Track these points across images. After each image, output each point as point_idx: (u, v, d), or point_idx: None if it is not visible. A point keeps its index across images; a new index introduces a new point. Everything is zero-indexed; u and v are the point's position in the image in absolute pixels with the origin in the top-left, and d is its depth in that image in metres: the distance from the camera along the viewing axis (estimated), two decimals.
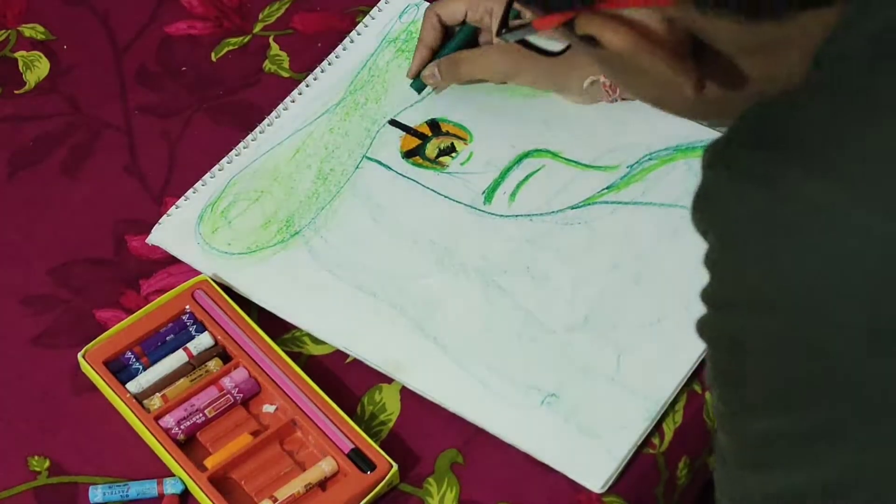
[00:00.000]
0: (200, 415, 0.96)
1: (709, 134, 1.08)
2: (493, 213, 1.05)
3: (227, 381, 0.97)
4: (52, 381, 0.99)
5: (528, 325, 0.99)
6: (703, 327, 0.71)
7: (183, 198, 1.07)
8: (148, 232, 1.06)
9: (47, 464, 0.96)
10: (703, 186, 0.68)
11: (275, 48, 1.17)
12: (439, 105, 1.12)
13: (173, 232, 1.06)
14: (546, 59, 0.85)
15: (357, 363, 0.99)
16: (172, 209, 1.07)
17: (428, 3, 1.17)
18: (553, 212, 1.05)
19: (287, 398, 0.96)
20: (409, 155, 1.09)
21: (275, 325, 1.00)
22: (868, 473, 0.66)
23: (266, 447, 0.95)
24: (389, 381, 0.98)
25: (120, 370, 0.98)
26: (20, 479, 0.95)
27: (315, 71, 1.14)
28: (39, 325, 1.02)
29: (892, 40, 0.65)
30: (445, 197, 1.07)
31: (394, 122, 1.11)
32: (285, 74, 1.15)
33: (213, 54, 1.17)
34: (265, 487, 0.93)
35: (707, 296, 0.70)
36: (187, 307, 1.00)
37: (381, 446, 0.94)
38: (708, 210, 0.68)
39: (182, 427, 0.95)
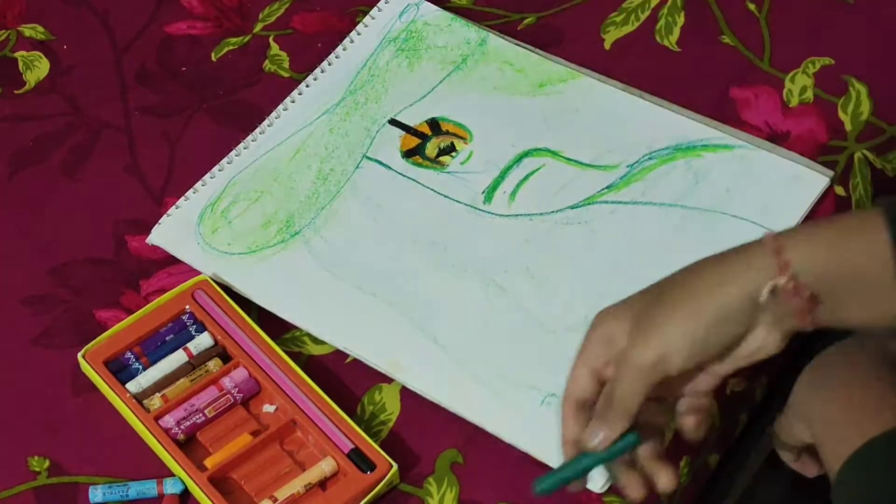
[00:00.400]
0: (200, 415, 0.96)
1: (709, 133, 1.08)
2: (492, 213, 1.05)
3: (226, 381, 0.97)
4: (52, 381, 1.00)
5: (528, 324, 0.99)
6: None
7: (183, 198, 1.08)
8: (148, 232, 1.06)
9: (47, 464, 0.96)
10: None
11: (275, 48, 1.17)
12: (439, 104, 1.12)
13: (173, 232, 1.06)
14: (686, 299, 0.78)
15: (357, 363, 0.99)
16: (172, 209, 1.07)
17: (429, 3, 1.17)
18: (553, 211, 1.05)
19: (287, 398, 0.96)
20: (409, 154, 1.09)
21: (275, 325, 1.00)
22: None
23: (266, 447, 0.95)
24: (389, 381, 0.98)
25: (120, 370, 0.98)
26: (20, 479, 0.95)
27: (315, 71, 1.14)
28: (39, 325, 1.02)
29: None
30: (445, 196, 1.07)
31: (394, 122, 1.11)
32: (285, 74, 1.15)
33: (213, 54, 1.17)
34: (265, 487, 0.93)
35: None
36: (187, 307, 1.00)
37: (380, 446, 0.94)
38: None
39: (182, 427, 0.95)
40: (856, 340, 0.93)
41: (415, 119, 1.11)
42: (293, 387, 0.96)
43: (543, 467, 0.93)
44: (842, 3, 1.15)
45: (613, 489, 0.92)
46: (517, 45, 1.14)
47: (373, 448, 0.93)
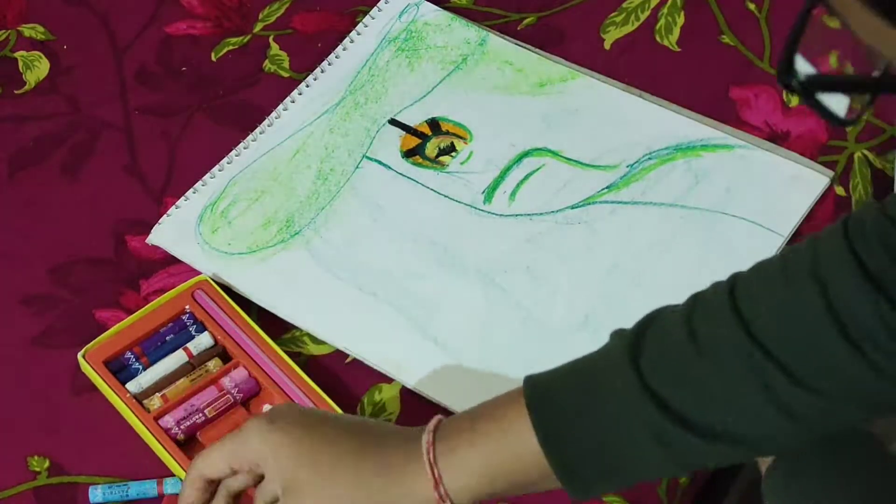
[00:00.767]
0: (200, 415, 0.96)
1: (709, 133, 1.08)
2: (492, 213, 1.05)
3: (226, 381, 0.97)
4: (52, 381, 0.99)
5: (528, 324, 0.99)
6: None
7: (183, 198, 1.07)
8: (148, 232, 1.06)
9: (47, 464, 0.96)
10: None
11: (275, 48, 1.17)
12: (439, 104, 1.12)
13: (173, 232, 1.06)
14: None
15: (357, 363, 0.99)
16: (172, 209, 1.07)
17: (429, 3, 1.17)
18: (553, 211, 1.05)
19: (287, 398, 0.96)
20: (409, 154, 1.09)
21: (275, 325, 1.00)
22: None
23: None
24: (389, 381, 0.98)
25: (120, 370, 0.98)
26: (20, 479, 0.95)
27: (315, 71, 1.14)
28: (39, 325, 1.02)
29: None
30: (445, 196, 1.07)
31: (394, 122, 1.11)
32: (285, 74, 1.15)
33: (213, 54, 1.17)
34: None
35: None
36: (187, 307, 1.00)
37: None
38: None
39: (182, 427, 0.95)
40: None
41: (415, 119, 1.11)
42: (293, 387, 0.96)
43: None
44: None
45: None
46: (517, 44, 1.14)
47: None
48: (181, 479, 0.93)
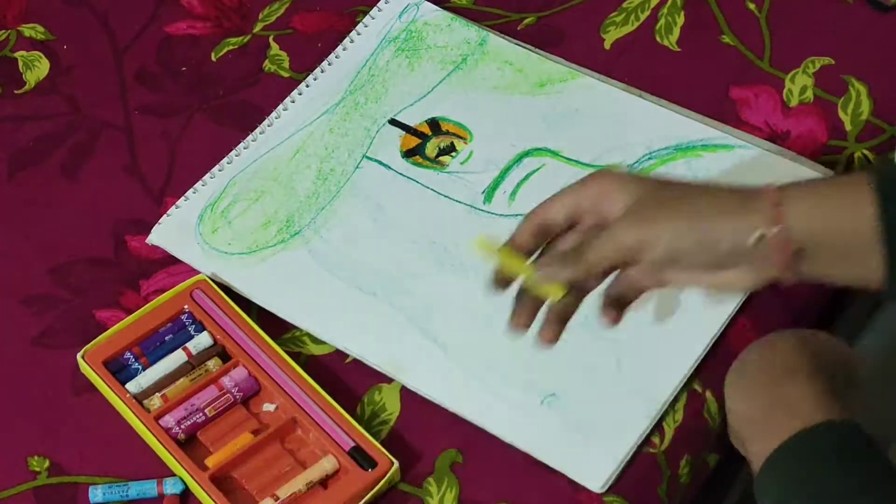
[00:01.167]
0: (200, 414, 0.96)
1: (709, 133, 1.08)
2: (492, 213, 1.05)
3: (226, 381, 0.97)
4: (52, 381, 0.99)
5: None
6: None
7: (183, 198, 1.08)
8: (148, 232, 1.06)
9: (47, 464, 0.96)
10: None
11: (275, 48, 1.17)
12: (439, 104, 1.12)
13: (173, 232, 1.06)
14: (688, 213, 0.83)
15: (357, 363, 0.99)
16: (172, 209, 1.07)
17: (429, 3, 1.17)
18: None
19: (287, 396, 0.96)
20: (409, 154, 1.09)
21: (274, 325, 1.00)
22: None
23: (267, 446, 0.95)
24: (389, 381, 0.98)
25: (119, 370, 0.98)
26: (20, 479, 0.95)
27: (315, 71, 1.14)
28: (39, 325, 1.02)
29: None
30: (445, 196, 1.07)
31: (394, 122, 1.11)
32: (285, 74, 1.15)
33: (213, 54, 1.17)
34: (267, 486, 0.93)
35: None
36: (186, 307, 1.00)
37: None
38: None
39: (182, 427, 0.95)
40: (776, 336, 0.94)
41: (415, 119, 1.11)
42: (293, 385, 0.96)
43: (543, 467, 0.94)
44: (842, 3, 1.15)
45: (613, 489, 0.93)
46: (517, 44, 1.14)
47: (374, 445, 0.93)
48: (181, 479, 0.94)
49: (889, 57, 1.12)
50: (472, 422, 0.96)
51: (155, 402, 0.96)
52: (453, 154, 1.09)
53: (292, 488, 0.92)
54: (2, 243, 1.07)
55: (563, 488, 0.93)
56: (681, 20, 1.16)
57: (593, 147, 1.08)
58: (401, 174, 1.08)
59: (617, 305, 0.88)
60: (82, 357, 0.98)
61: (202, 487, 0.92)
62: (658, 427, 0.95)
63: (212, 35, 1.18)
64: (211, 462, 0.94)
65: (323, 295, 1.02)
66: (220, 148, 1.10)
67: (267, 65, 1.16)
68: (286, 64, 1.16)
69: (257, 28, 1.18)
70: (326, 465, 0.93)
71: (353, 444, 0.94)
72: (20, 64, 1.17)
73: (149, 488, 0.94)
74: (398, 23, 1.16)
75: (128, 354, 0.99)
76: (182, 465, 0.93)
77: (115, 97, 1.15)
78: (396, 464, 0.93)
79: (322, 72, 1.14)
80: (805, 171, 1.05)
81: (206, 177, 1.09)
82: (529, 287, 0.87)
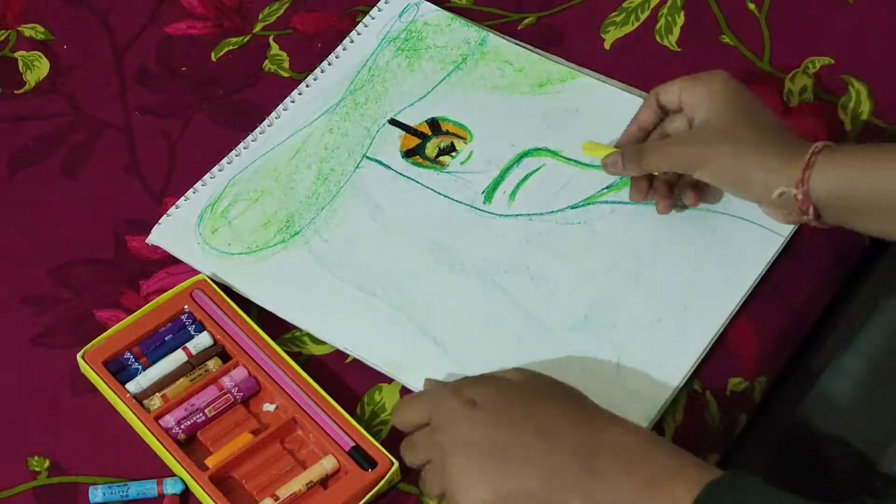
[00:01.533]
0: (200, 414, 0.96)
1: None
2: (492, 213, 1.05)
3: (226, 381, 0.97)
4: (52, 381, 0.99)
5: (528, 324, 0.99)
6: None
7: (183, 198, 1.07)
8: (148, 232, 1.06)
9: (47, 464, 0.96)
10: None
11: (275, 48, 1.17)
12: (439, 104, 1.12)
13: (173, 232, 1.06)
14: (732, 153, 0.95)
15: (357, 363, 0.99)
16: (172, 209, 1.07)
17: (429, 3, 1.17)
18: (553, 211, 1.05)
19: (287, 396, 0.96)
20: (409, 154, 1.09)
21: (274, 325, 1.00)
22: None
23: (267, 446, 0.95)
24: (389, 381, 0.98)
25: (119, 370, 0.98)
26: (20, 479, 0.95)
27: (315, 71, 1.14)
28: (39, 325, 1.02)
29: None
30: (445, 196, 1.07)
31: (394, 122, 1.11)
32: (285, 74, 1.15)
33: (213, 54, 1.17)
34: (266, 486, 0.93)
35: None
36: (186, 307, 1.00)
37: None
38: None
39: (182, 427, 0.95)
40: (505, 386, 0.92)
41: (415, 119, 1.11)
42: (293, 385, 0.96)
43: None
44: (842, 3, 1.15)
45: None
46: (517, 44, 1.14)
47: (374, 446, 0.93)
48: (181, 480, 0.93)
49: (889, 57, 1.12)
50: None
51: (155, 402, 0.96)
52: (453, 154, 1.09)
53: (292, 488, 0.92)
54: (2, 243, 1.07)
55: None
56: (681, 20, 1.16)
57: None
58: (401, 174, 1.08)
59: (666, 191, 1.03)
60: (82, 357, 0.98)
61: (202, 487, 0.92)
62: (658, 427, 0.95)
63: (212, 35, 1.18)
64: (211, 462, 0.94)
65: (323, 295, 1.02)
66: (220, 148, 1.10)
67: (267, 65, 1.16)
68: (286, 64, 1.16)
69: (257, 28, 1.18)
70: (326, 465, 0.93)
71: (353, 445, 0.94)
72: (20, 64, 1.17)
73: (149, 488, 0.94)
74: (398, 23, 1.16)
75: (128, 354, 0.99)
76: (182, 465, 0.93)
77: (115, 97, 1.15)
78: (396, 464, 0.93)
79: (322, 72, 1.14)
80: None
81: (206, 177, 1.09)
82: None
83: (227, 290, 1.02)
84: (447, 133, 1.10)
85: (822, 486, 0.97)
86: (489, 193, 1.06)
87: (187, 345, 0.99)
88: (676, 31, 1.15)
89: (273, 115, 1.12)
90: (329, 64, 1.15)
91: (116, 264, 1.05)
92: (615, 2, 1.17)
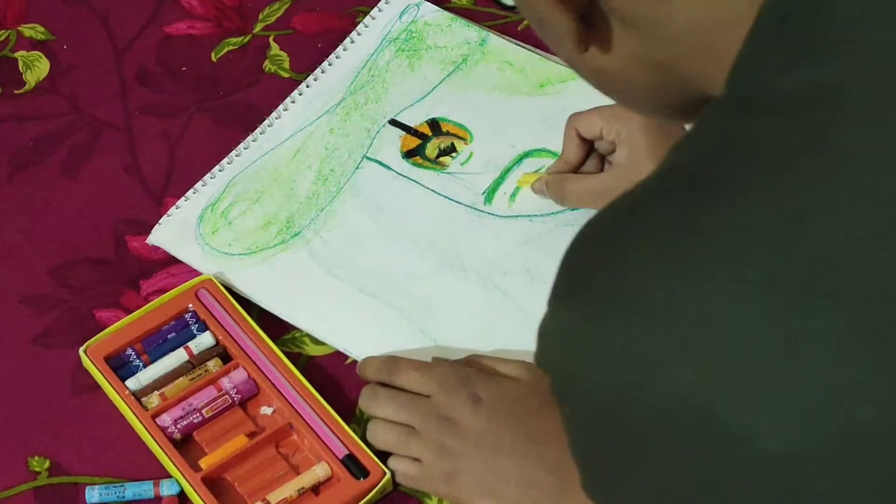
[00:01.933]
0: (198, 414, 0.96)
1: None
2: (493, 214, 1.05)
3: (225, 382, 0.97)
4: (52, 381, 0.99)
5: (528, 326, 0.99)
6: None
7: (183, 198, 1.07)
8: (148, 232, 1.05)
9: (47, 464, 0.96)
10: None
11: (275, 48, 1.17)
12: (440, 104, 1.11)
13: (173, 232, 1.06)
14: None
15: (357, 364, 0.99)
16: (172, 209, 1.07)
17: (429, 4, 1.17)
18: (553, 213, 1.05)
19: (285, 401, 0.96)
20: (409, 155, 1.09)
21: (275, 326, 1.00)
22: None
23: (261, 449, 0.94)
24: None
25: (120, 367, 0.98)
26: (20, 479, 0.95)
27: (315, 71, 1.14)
28: (39, 325, 1.02)
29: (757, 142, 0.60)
30: (445, 197, 1.06)
31: (394, 122, 1.11)
32: (285, 75, 1.15)
33: (213, 54, 1.17)
34: (258, 490, 0.93)
35: None
36: (190, 306, 1.00)
37: None
38: None
39: (179, 426, 0.95)
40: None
41: (415, 119, 1.11)
42: (291, 390, 0.96)
43: None
44: None
45: None
46: (517, 45, 1.14)
47: (367, 455, 0.93)
48: (177, 481, 0.93)
49: None
50: None
51: (153, 400, 0.96)
52: (454, 155, 1.09)
53: (283, 493, 0.92)
54: (2, 243, 1.07)
55: None
56: None
57: None
58: (401, 175, 1.08)
59: None
60: (84, 351, 0.98)
61: (194, 488, 0.92)
62: None
63: (212, 35, 1.18)
64: (204, 463, 0.94)
65: (323, 296, 1.02)
66: (220, 148, 1.10)
67: (267, 65, 1.16)
68: (286, 64, 1.16)
69: (257, 28, 1.18)
70: (319, 471, 0.93)
71: (346, 453, 0.93)
72: (20, 64, 1.17)
73: (145, 489, 0.94)
74: (398, 23, 1.16)
75: (129, 351, 0.99)
76: (175, 465, 0.93)
77: (115, 97, 1.14)
78: (388, 474, 0.92)
79: (322, 72, 1.14)
80: None
81: (207, 177, 1.08)
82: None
83: (229, 290, 1.02)
84: (447, 134, 1.10)
85: None
86: (489, 194, 1.06)
87: (189, 344, 0.99)
88: None
89: (273, 115, 1.12)
90: (329, 64, 1.14)
91: (116, 264, 1.05)
92: None
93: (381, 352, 0.98)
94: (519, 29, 1.16)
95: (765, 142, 0.59)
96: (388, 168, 1.08)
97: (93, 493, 0.94)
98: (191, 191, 1.08)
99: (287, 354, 0.98)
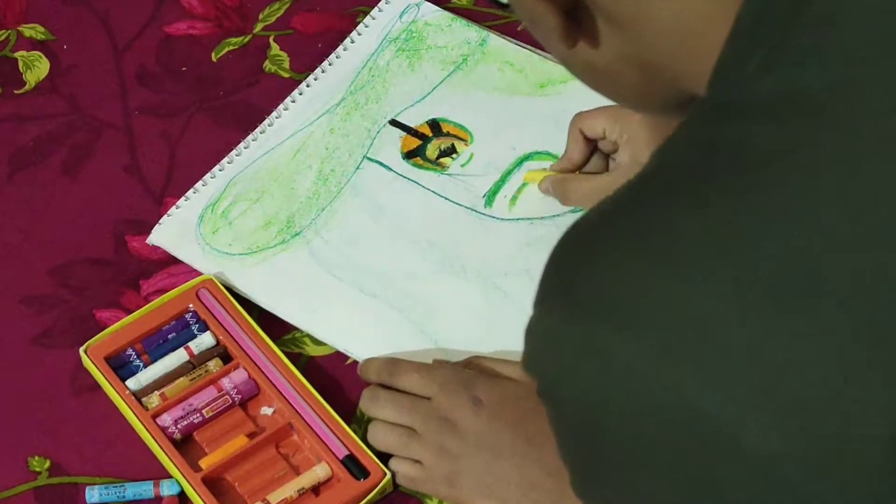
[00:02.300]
0: (198, 415, 0.96)
1: None
2: (493, 217, 1.05)
3: (226, 382, 0.97)
4: (52, 381, 0.99)
5: None
6: None
7: (183, 198, 1.07)
8: (148, 232, 1.05)
9: (47, 464, 0.96)
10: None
11: (275, 48, 1.17)
12: (440, 105, 1.11)
13: (174, 232, 1.05)
14: None
15: (357, 364, 0.99)
16: (173, 209, 1.07)
17: (430, 4, 1.17)
18: (553, 216, 1.05)
19: (285, 401, 0.96)
20: (409, 156, 1.09)
21: (275, 326, 1.00)
22: None
23: (262, 449, 0.94)
24: None
25: (121, 366, 0.98)
26: (20, 479, 0.95)
27: (315, 71, 1.14)
28: (39, 325, 1.02)
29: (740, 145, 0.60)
30: (446, 199, 1.06)
31: (394, 123, 1.11)
32: (285, 74, 1.15)
33: (213, 54, 1.17)
34: (258, 490, 0.93)
35: None
36: (190, 306, 1.00)
37: None
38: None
39: (179, 426, 0.95)
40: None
41: (415, 119, 1.11)
42: (291, 390, 0.96)
43: None
44: None
45: None
46: (518, 45, 1.14)
47: (367, 455, 0.93)
48: (178, 481, 0.93)
49: None
50: None
51: (153, 400, 0.96)
52: (454, 156, 1.09)
53: (284, 494, 0.92)
54: (2, 243, 1.07)
55: None
56: None
57: None
58: (401, 175, 1.08)
59: None
60: (85, 351, 0.98)
61: (194, 488, 0.92)
62: None
63: (212, 35, 1.18)
64: (205, 463, 0.94)
65: (323, 296, 1.02)
66: (220, 148, 1.10)
67: (267, 65, 1.16)
68: (286, 64, 1.16)
69: (257, 28, 1.18)
70: (319, 472, 0.93)
71: (347, 453, 0.93)
72: (20, 64, 1.17)
73: (145, 490, 0.94)
74: (399, 23, 1.16)
75: (130, 351, 0.99)
76: (175, 465, 0.93)
77: (115, 97, 1.14)
78: (389, 475, 0.92)
79: (322, 72, 1.14)
80: None
81: (207, 177, 1.08)
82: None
83: (229, 290, 1.02)
84: (448, 135, 1.10)
85: None
86: (490, 197, 1.06)
87: (189, 344, 0.99)
88: None
89: (273, 115, 1.12)
90: (329, 64, 1.14)
91: (116, 264, 1.05)
92: None
93: (382, 352, 0.98)
94: (519, 29, 1.16)
95: (742, 146, 0.59)
96: (389, 169, 1.08)
97: (93, 493, 0.94)
98: (191, 191, 1.08)
99: (287, 355, 0.98)
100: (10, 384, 1.00)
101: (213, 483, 0.93)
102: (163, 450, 0.94)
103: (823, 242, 0.56)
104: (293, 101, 1.12)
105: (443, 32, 1.15)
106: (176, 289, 1.01)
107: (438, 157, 1.09)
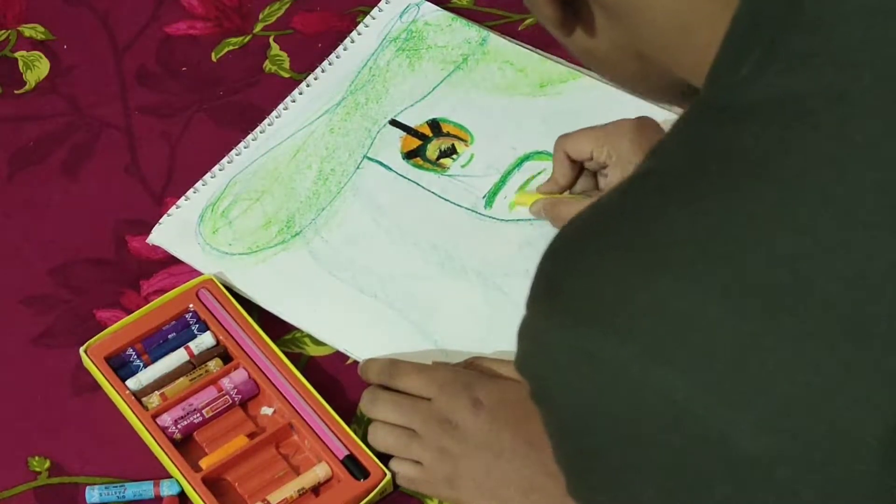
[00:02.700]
0: (198, 415, 0.96)
1: None
2: (493, 218, 1.05)
3: (226, 382, 0.97)
4: (52, 381, 0.99)
5: None
6: None
7: (183, 198, 1.07)
8: (148, 232, 1.05)
9: (47, 464, 0.96)
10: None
11: (275, 48, 1.17)
12: (440, 104, 1.11)
13: (174, 232, 1.06)
14: None
15: (357, 364, 0.99)
16: (173, 209, 1.07)
17: (430, 3, 1.17)
18: None
19: (285, 401, 0.96)
20: (409, 156, 1.09)
21: (275, 326, 1.00)
22: None
23: (262, 450, 0.94)
24: None
25: (121, 366, 0.98)
26: (20, 479, 0.95)
27: (315, 71, 1.14)
28: (39, 325, 1.02)
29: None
30: (446, 200, 1.06)
31: (394, 123, 1.11)
32: (285, 74, 1.15)
33: (213, 54, 1.17)
34: (259, 490, 0.93)
35: None
36: (190, 306, 1.00)
37: None
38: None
39: (179, 426, 0.95)
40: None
41: (415, 119, 1.11)
42: (292, 390, 0.96)
43: None
44: None
45: None
46: (518, 44, 1.14)
47: (367, 455, 0.93)
48: (178, 481, 0.93)
49: None
50: None
51: (154, 400, 0.96)
52: (454, 157, 1.09)
53: (284, 494, 0.92)
54: (2, 243, 1.07)
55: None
56: None
57: None
58: (401, 176, 1.08)
59: None
60: (85, 351, 0.98)
61: (194, 488, 0.92)
62: None
63: (212, 35, 1.18)
64: (205, 463, 0.94)
65: (323, 296, 1.02)
66: (220, 148, 1.10)
67: (267, 65, 1.16)
68: (286, 64, 1.16)
69: (257, 28, 1.18)
70: (319, 472, 0.93)
71: (347, 453, 0.93)
72: (20, 64, 1.17)
73: (145, 490, 0.94)
74: (399, 23, 1.16)
75: (130, 351, 0.99)
76: (175, 465, 0.93)
77: (115, 97, 1.14)
78: (389, 475, 0.92)
79: (322, 72, 1.14)
80: None
81: (207, 177, 1.08)
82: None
83: (229, 290, 1.02)
84: (448, 135, 1.10)
85: None
86: (490, 198, 1.06)
87: (189, 344, 0.99)
88: None
89: (273, 114, 1.12)
90: (329, 64, 1.14)
91: (116, 264, 1.05)
92: None
93: (382, 353, 0.98)
94: (519, 29, 1.16)
95: (732, 149, 0.59)
96: (389, 169, 1.08)
97: (93, 493, 0.94)
98: (191, 190, 1.08)
99: (287, 355, 0.98)
100: (10, 384, 1.00)
101: (213, 483, 0.93)
102: (163, 450, 0.94)
103: (811, 245, 0.56)
104: (293, 101, 1.12)
105: (443, 32, 1.15)
106: (176, 289, 1.01)
107: (439, 158, 1.09)
